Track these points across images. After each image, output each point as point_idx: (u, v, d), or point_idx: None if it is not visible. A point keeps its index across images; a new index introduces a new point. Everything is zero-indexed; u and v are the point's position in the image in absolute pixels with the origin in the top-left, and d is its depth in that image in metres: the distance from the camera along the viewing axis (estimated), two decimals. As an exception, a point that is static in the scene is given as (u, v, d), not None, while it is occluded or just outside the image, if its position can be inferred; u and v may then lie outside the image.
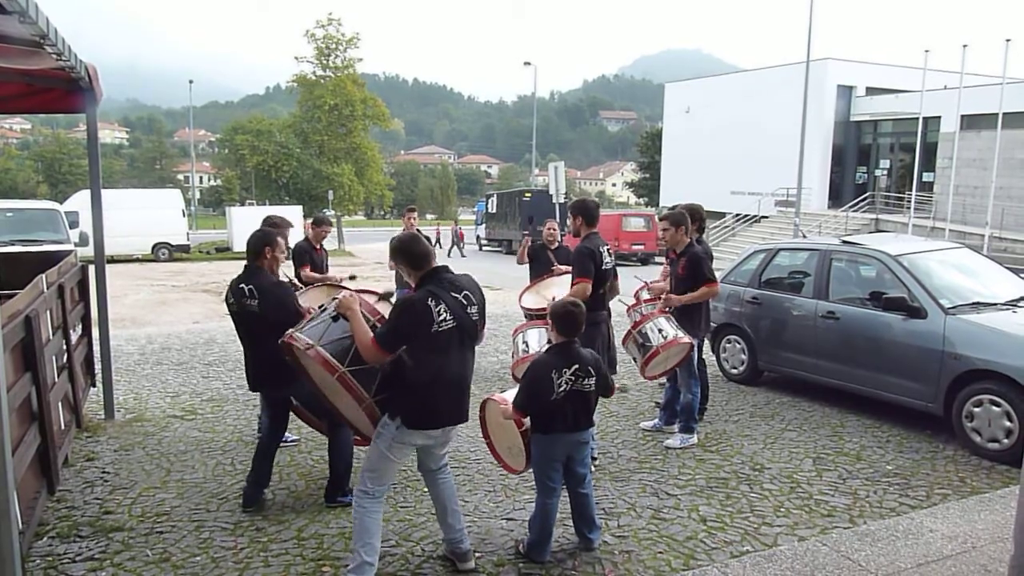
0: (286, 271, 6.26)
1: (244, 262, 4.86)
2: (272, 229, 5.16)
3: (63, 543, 4.30)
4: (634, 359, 5.95)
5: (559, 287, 6.45)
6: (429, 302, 3.57)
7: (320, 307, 4.15)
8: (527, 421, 4.05)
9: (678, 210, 6.23)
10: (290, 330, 4.06)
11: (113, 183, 60.17)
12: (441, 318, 3.57)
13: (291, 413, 5.04)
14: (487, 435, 4.50)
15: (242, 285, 4.66)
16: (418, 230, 8.79)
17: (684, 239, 6.07)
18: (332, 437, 4.87)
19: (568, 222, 5.78)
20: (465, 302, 3.70)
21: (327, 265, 7.51)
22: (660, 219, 6.36)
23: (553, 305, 4.17)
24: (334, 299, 4.00)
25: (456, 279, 3.77)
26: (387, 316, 3.77)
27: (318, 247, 7.41)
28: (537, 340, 6.10)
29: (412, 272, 3.79)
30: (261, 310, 4.55)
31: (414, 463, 4.29)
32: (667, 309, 6.04)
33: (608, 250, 5.54)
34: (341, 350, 3.86)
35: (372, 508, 3.75)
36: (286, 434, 5.98)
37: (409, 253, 3.79)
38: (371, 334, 3.63)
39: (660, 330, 5.71)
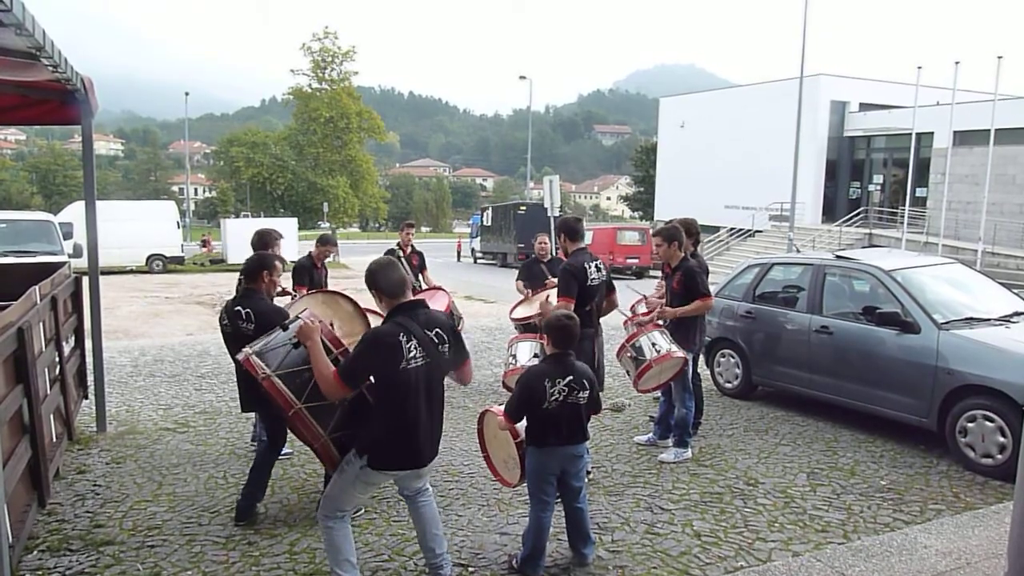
0: (283, 284, 6.26)
1: (237, 274, 4.86)
2: (269, 254, 5.13)
3: (53, 557, 4.27)
4: (627, 372, 5.93)
5: (552, 299, 6.44)
6: (400, 337, 3.42)
7: (281, 325, 3.96)
8: (522, 432, 4.05)
9: (671, 225, 6.23)
10: (247, 348, 3.85)
11: (108, 195, 60.16)
12: (412, 355, 3.43)
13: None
14: (484, 447, 4.51)
15: (239, 308, 4.65)
16: (412, 246, 8.86)
17: (678, 254, 6.08)
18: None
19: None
20: (437, 340, 3.56)
21: (327, 282, 7.53)
22: (654, 235, 6.35)
23: (547, 318, 4.18)
24: (297, 317, 3.87)
25: (430, 315, 3.63)
26: (352, 348, 3.59)
27: (319, 265, 7.44)
28: (526, 352, 6.13)
29: (385, 300, 3.60)
30: (257, 335, 4.51)
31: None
32: (662, 323, 6.05)
33: (598, 265, 5.51)
34: (300, 383, 3.69)
35: (339, 527, 3.68)
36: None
37: (386, 280, 3.59)
38: (332, 368, 3.49)
39: (654, 344, 5.71)
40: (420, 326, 3.53)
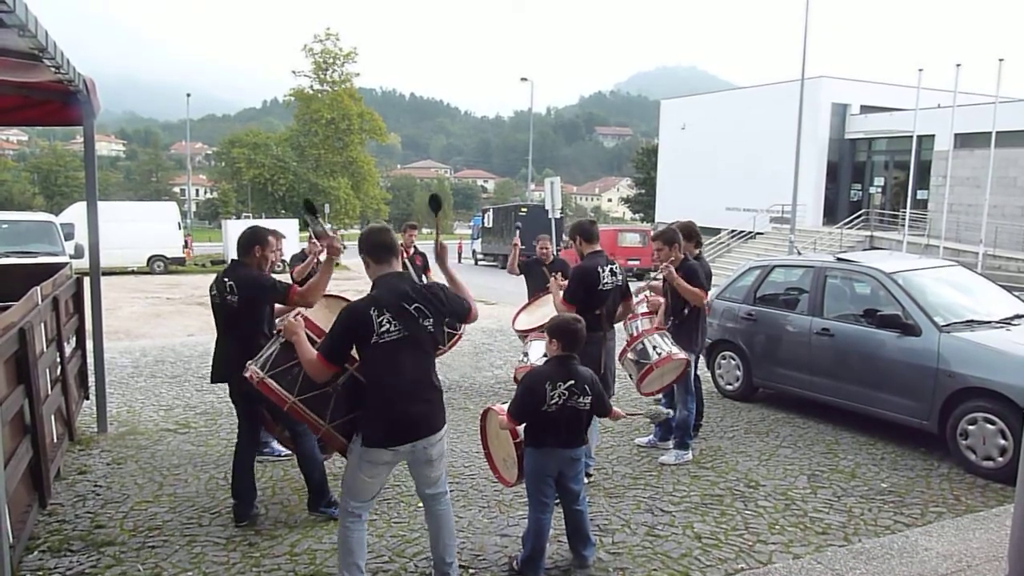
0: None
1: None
2: (263, 228, 5.16)
3: (54, 557, 4.27)
4: (630, 375, 5.93)
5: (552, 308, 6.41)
6: (371, 312, 3.44)
7: (275, 332, 4.10)
8: (521, 432, 4.06)
9: (669, 228, 6.22)
10: (249, 363, 4.03)
11: (109, 195, 60.08)
12: (383, 329, 3.43)
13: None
14: (486, 445, 4.53)
15: (225, 278, 4.70)
16: (415, 248, 8.87)
17: (678, 256, 6.07)
18: (296, 448, 4.89)
19: (563, 238, 5.79)
20: (417, 314, 3.53)
21: None
22: (653, 239, 6.32)
23: (554, 320, 4.17)
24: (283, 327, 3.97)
25: (410, 289, 3.59)
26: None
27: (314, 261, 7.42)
28: (539, 351, 6.11)
29: (371, 268, 3.65)
30: (240, 306, 4.60)
31: (410, 479, 4.27)
32: (665, 325, 6.03)
33: (612, 269, 5.38)
34: (291, 379, 3.83)
35: (354, 527, 3.68)
36: (279, 448, 5.97)
37: (371, 242, 3.64)
38: (315, 351, 3.56)
39: (655, 347, 5.70)
40: (398, 299, 3.51)
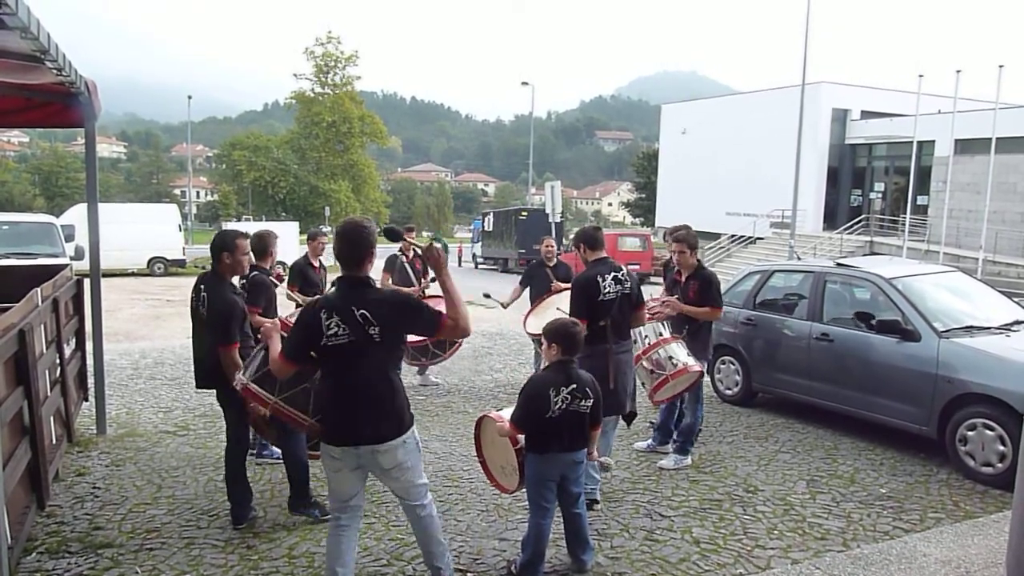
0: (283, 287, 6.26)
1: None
2: (232, 231, 5.06)
3: (52, 559, 4.27)
4: (643, 384, 5.75)
5: (562, 304, 6.39)
6: (320, 314, 3.40)
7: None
8: (522, 439, 4.05)
9: (688, 231, 6.04)
10: (238, 374, 4.17)
11: (110, 197, 60.05)
12: (331, 332, 3.38)
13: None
14: (480, 453, 4.51)
15: (202, 286, 4.73)
16: (415, 247, 8.86)
17: (695, 261, 6.03)
18: (283, 447, 4.90)
19: (563, 241, 5.76)
20: (363, 321, 3.37)
21: (325, 282, 7.48)
22: (675, 241, 6.03)
23: (550, 324, 4.17)
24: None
25: (363, 294, 3.45)
26: None
27: (316, 265, 7.39)
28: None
29: (341, 268, 3.57)
30: (209, 318, 4.65)
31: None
32: (680, 334, 5.96)
33: (617, 277, 5.03)
34: (272, 380, 3.92)
35: (333, 531, 3.69)
36: (278, 451, 5.96)
37: (339, 246, 3.51)
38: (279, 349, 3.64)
39: (671, 357, 5.59)
40: (348, 303, 3.42)
